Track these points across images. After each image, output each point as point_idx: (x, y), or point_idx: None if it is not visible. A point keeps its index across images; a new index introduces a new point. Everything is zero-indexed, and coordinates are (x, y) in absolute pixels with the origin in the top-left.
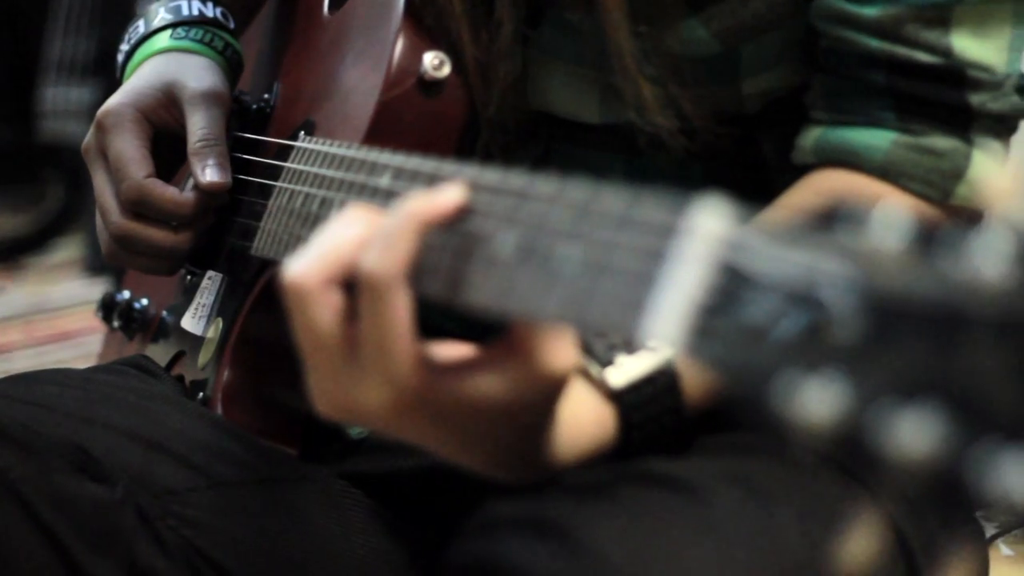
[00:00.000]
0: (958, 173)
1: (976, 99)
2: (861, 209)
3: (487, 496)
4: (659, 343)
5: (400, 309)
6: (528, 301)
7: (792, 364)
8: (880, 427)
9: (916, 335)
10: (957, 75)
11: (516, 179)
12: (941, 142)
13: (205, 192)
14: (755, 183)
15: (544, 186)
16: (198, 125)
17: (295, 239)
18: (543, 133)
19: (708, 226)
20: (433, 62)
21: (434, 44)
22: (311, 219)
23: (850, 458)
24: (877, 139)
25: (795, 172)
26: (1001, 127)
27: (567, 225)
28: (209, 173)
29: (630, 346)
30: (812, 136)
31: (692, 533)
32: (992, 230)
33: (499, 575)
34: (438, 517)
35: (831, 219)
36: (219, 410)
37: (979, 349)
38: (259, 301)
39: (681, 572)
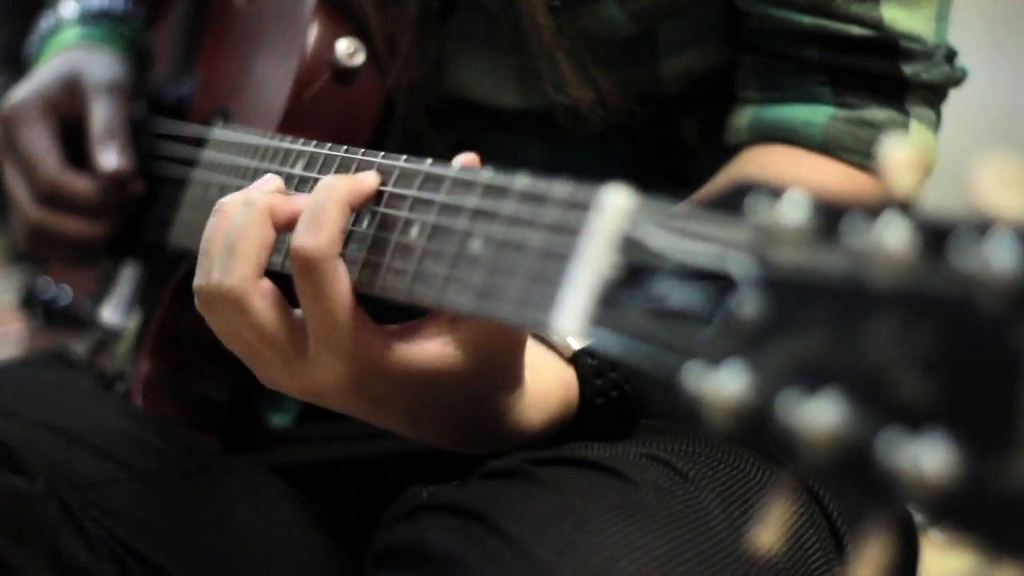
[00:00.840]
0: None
1: (909, 69)
2: (769, 187)
3: (410, 483)
4: (569, 325)
5: (339, 282)
6: (438, 284)
7: (697, 350)
8: (785, 412)
9: (819, 313)
10: (890, 47)
11: (427, 166)
12: (878, 114)
13: (112, 179)
14: (675, 166)
15: (454, 172)
16: (99, 114)
17: None
18: (460, 120)
19: (616, 203)
20: (347, 49)
21: (348, 31)
22: None
23: (758, 442)
24: (814, 115)
25: (716, 154)
26: (934, 96)
27: (476, 207)
28: (108, 159)
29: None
30: (746, 115)
31: (616, 517)
32: (897, 207)
33: (422, 559)
34: (362, 506)
35: (739, 197)
36: (139, 401)
37: (881, 328)
38: (177, 292)
39: (605, 556)
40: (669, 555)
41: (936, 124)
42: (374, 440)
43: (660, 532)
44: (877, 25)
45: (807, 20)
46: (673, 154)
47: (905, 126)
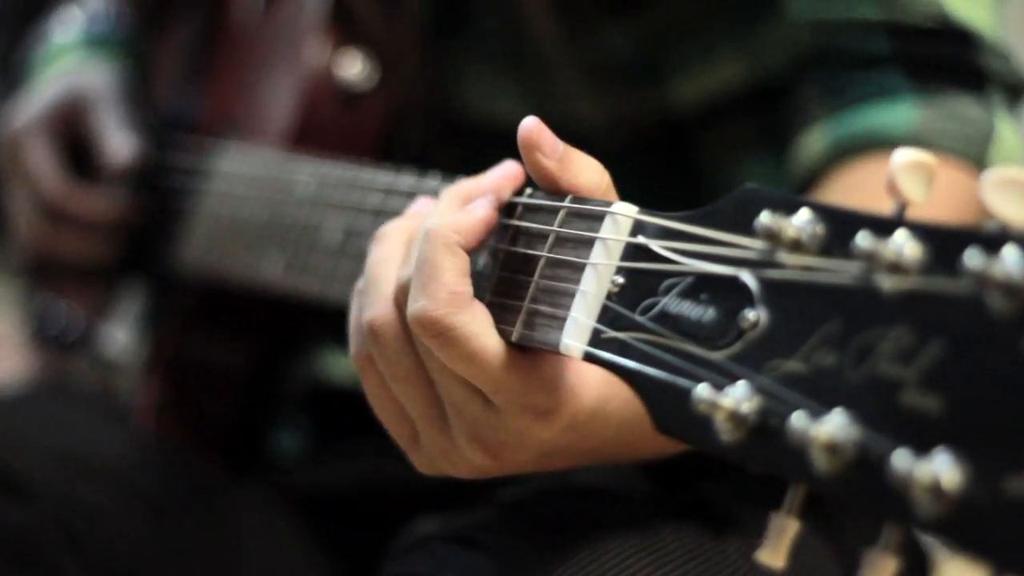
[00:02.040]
0: (987, 136)
1: (982, 59)
2: (778, 196)
3: (421, 513)
4: (576, 345)
5: (479, 334)
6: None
7: (706, 369)
8: (796, 432)
9: (830, 327)
10: (959, 35)
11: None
12: (965, 106)
13: (123, 176)
14: (689, 191)
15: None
16: (105, 118)
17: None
18: (464, 139)
19: (623, 212)
20: (354, 67)
21: (355, 48)
22: (240, 225)
23: (768, 461)
24: (900, 113)
25: (732, 177)
26: (1011, 94)
27: None
28: (120, 149)
29: None
30: (819, 136)
31: (631, 549)
32: (910, 220)
33: None
34: (370, 533)
35: (748, 206)
36: (147, 424)
37: (891, 341)
38: (189, 314)
39: None
40: None
41: (1016, 124)
42: (383, 467)
43: (676, 564)
44: (941, 13)
45: (871, 11)
46: (687, 178)
47: (991, 118)
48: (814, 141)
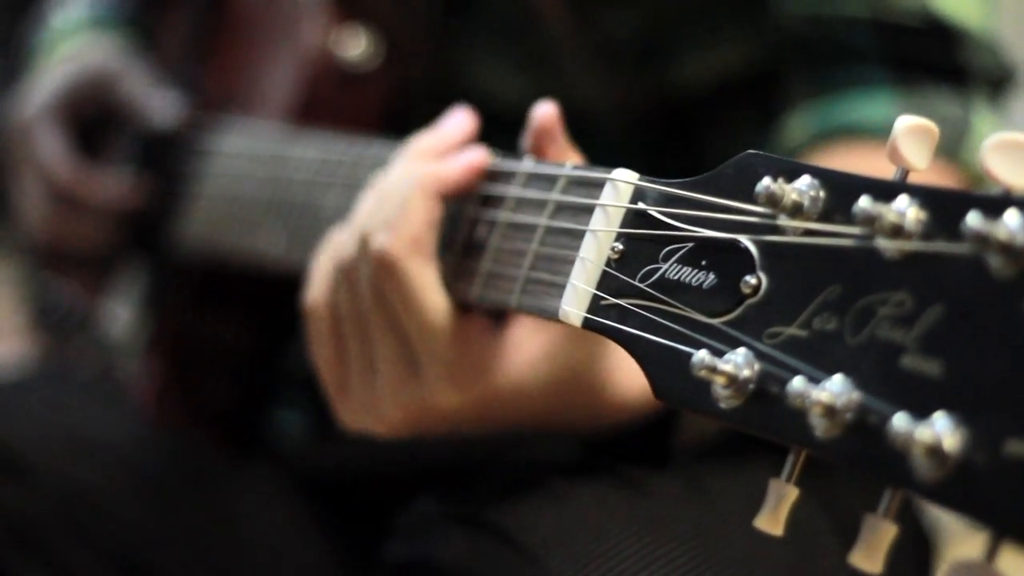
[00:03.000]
0: (962, 132)
1: (964, 56)
2: (779, 161)
3: (422, 492)
4: (576, 311)
5: (426, 287)
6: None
7: (706, 334)
8: (796, 397)
9: (831, 291)
10: (942, 32)
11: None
12: (942, 102)
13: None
14: (691, 172)
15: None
16: (133, 85)
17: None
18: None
19: (623, 178)
20: (358, 44)
21: (359, 25)
22: (243, 203)
23: (768, 427)
24: (877, 104)
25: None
26: (992, 90)
27: (482, 193)
28: (165, 107)
29: None
30: (803, 117)
31: (632, 529)
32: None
33: (432, 572)
34: (373, 512)
35: (748, 171)
36: (148, 406)
37: (891, 304)
38: (191, 295)
39: (621, 570)
40: (686, 568)
41: (996, 121)
42: (384, 446)
43: (677, 544)
44: (925, 10)
45: (858, 9)
46: (691, 160)
47: (967, 114)
48: (794, 125)
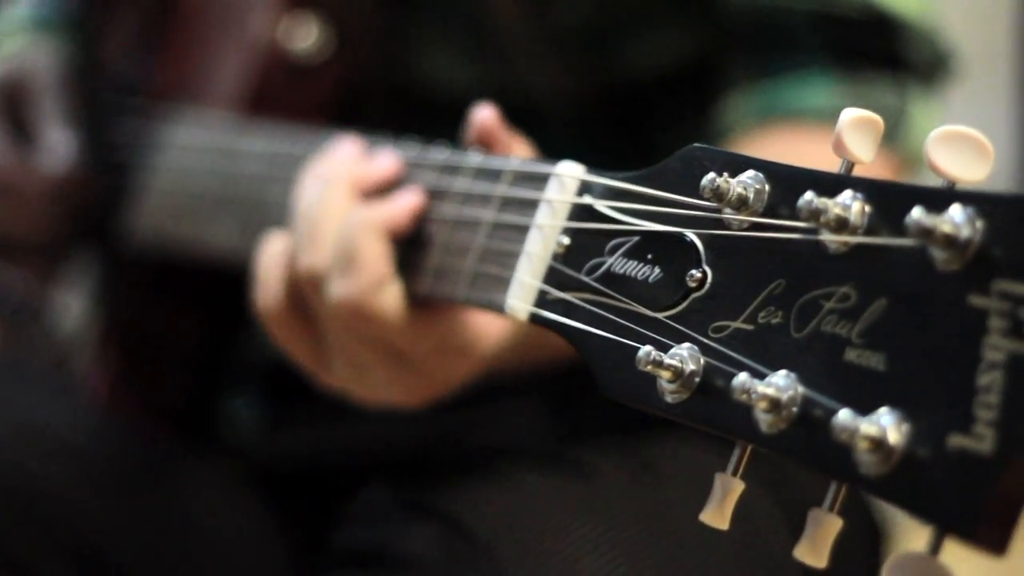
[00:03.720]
0: (896, 120)
1: (902, 46)
2: (725, 155)
3: (372, 480)
4: (522, 305)
5: (392, 311)
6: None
7: (651, 328)
8: (741, 392)
9: (776, 285)
10: (881, 22)
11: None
12: (879, 90)
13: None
14: (642, 161)
15: (407, 153)
16: (48, 106)
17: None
18: (418, 110)
19: (569, 173)
20: (305, 33)
21: (307, 15)
22: (194, 196)
23: (714, 421)
24: (815, 91)
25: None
26: (928, 76)
27: (431, 187)
28: (58, 147)
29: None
30: (743, 100)
31: (579, 513)
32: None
33: (382, 561)
34: (327, 501)
35: (694, 165)
36: (101, 397)
37: (835, 299)
38: (142, 287)
39: (567, 555)
40: (631, 552)
41: (935, 107)
42: (338, 433)
43: (622, 528)
44: (865, 1)
45: (801, 2)
46: (642, 148)
47: (904, 102)
48: (733, 107)
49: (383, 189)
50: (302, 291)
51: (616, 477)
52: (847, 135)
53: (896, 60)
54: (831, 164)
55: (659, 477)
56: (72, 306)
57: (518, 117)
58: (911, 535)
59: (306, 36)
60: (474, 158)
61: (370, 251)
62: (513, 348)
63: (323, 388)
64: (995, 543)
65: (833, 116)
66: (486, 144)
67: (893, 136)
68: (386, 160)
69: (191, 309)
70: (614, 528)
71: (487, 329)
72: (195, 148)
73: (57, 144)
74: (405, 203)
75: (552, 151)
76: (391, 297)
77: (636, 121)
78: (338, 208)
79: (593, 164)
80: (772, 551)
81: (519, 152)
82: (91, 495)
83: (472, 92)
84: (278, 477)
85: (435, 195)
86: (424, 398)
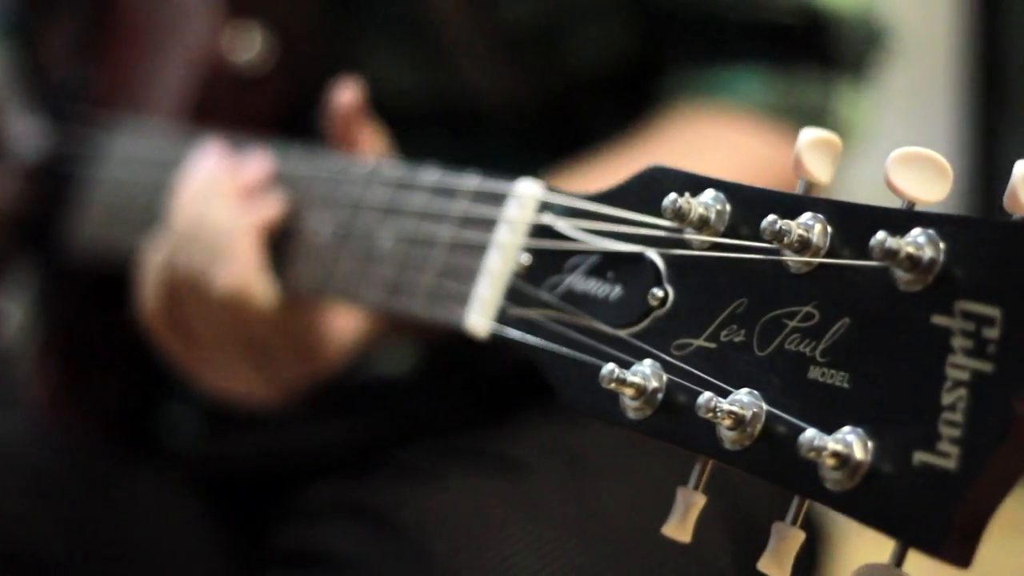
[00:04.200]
0: (819, 113)
1: (832, 41)
2: (688, 175)
3: (310, 481)
4: (480, 323)
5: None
6: (349, 282)
7: (612, 347)
8: (705, 410)
9: (737, 305)
10: (813, 17)
11: (330, 163)
12: (806, 86)
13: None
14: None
15: (358, 167)
16: (8, 113)
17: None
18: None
19: (528, 193)
20: (247, 41)
21: (248, 22)
22: (133, 206)
23: (677, 437)
24: (745, 80)
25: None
26: (859, 65)
27: (384, 204)
28: (26, 134)
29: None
30: (678, 77)
31: (510, 511)
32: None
33: (318, 561)
34: (269, 504)
35: (656, 183)
36: (42, 406)
37: (797, 320)
38: (82, 296)
39: (498, 553)
40: (564, 549)
41: (861, 99)
42: (278, 437)
43: (555, 525)
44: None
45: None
46: (587, 148)
47: (828, 94)
48: (676, 80)
49: (257, 189)
50: (180, 292)
51: (547, 474)
52: (806, 155)
53: (826, 56)
54: (753, 152)
55: (589, 471)
56: (13, 315)
57: (463, 118)
58: (852, 537)
59: (250, 48)
60: (432, 175)
61: (244, 246)
62: (368, 344)
63: (200, 389)
64: (960, 557)
65: (760, 107)
66: (341, 131)
67: (816, 123)
68: (257, 163)
69: (131, 318)
70: (546, 525)
71: (342, 328)
72: (134, 160)
73: (24, 137)
74: (274, 202)
75: (495, 150)
76: (263, 288)
77: (577, 121)
78: (213, 209)
79: (535, 163)
80: (708, 556)
81: (372, 143)
82: (30, 503)
83: (418, 95)
84: (218, 481)
85: (392, 210)
86: (285, 392)
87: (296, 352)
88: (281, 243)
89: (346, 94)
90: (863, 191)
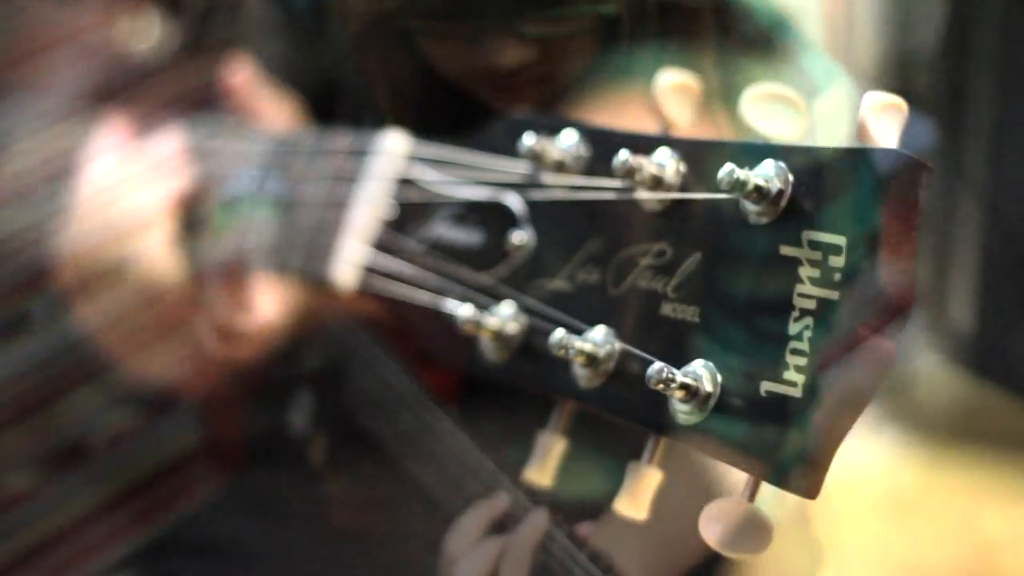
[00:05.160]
0: (727, 90)
1: (737, 24)
2: (545, 121)
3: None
4: (346, 274)
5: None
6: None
7: (472, 289)
8: (559, 348)
9: (591, 244)
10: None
11: (238, 134)
12: (708, 62)
13: None
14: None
15: (258, 139)
16: None
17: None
18: None
19: (392, 146)
20: (147, 31)
21: (148, 8)
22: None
23: (533, 376)
24: (648, 64)
25: None
26: (767, 44)
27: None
28: None
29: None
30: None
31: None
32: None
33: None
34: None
35: (515, 132)
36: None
37: (648, 255)
38: None
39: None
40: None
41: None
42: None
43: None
44: None
45: None
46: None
47: (730, 81)
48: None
49: (164, 165)
50: (91, 273)
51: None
52: (663, 98)
53: (729, 37)
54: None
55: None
56: None
57: (353, 107)
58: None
59: (147, 37)
60: (307, 140)
61: (153, 221)
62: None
63: (126, 371)
64: (808, 488)
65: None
66: (242, 105)
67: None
68: (163, 139)
69: None
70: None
71: (265, 305)
72: (32, 146)
73: None
74: (183, 176)
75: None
76: (173, 263)
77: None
78: (121, 188)
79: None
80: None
81: (273, 115)
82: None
83: (307, 79)
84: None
85: (273, 176)
86: (203, 375)
87: (214, 329)
88: (194, 216)
89: (238, 74)
90: None
